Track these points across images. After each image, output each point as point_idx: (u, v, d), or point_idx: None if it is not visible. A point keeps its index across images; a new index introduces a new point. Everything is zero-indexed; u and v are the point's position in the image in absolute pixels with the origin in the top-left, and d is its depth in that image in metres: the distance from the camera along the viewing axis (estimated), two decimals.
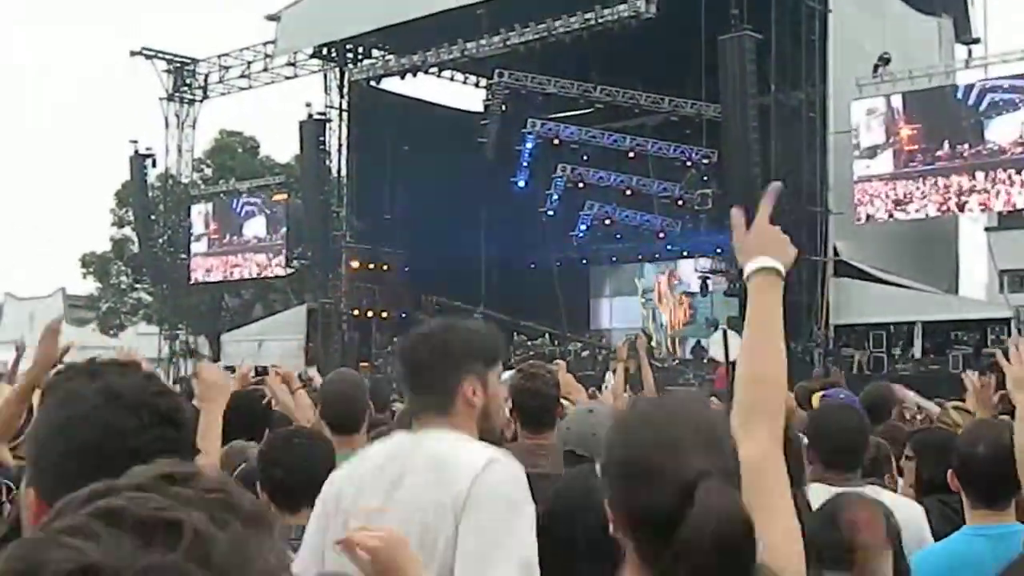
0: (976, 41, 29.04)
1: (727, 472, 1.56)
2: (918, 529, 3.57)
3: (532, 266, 34.22)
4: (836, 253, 25.14)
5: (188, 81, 37.93)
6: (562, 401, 4.46)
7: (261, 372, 6.07)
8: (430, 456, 2.43)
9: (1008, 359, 3.41)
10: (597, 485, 2.79)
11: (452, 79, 35.29)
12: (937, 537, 3.53)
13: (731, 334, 19.00)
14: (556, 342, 29.65)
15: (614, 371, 7.52)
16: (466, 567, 2.24)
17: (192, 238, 37.82)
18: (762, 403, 1.90)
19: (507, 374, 5.58)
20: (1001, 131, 23.80)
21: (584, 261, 35.18)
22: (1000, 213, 28.28)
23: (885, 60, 25.34)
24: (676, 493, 1.49)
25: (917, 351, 24.27)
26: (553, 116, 32.16)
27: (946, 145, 24.43)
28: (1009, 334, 23.27)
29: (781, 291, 2.07)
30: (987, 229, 30.06)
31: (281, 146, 57.69)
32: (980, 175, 24.02)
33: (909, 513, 3.57)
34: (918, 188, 24.94)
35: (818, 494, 3.11)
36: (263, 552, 0.81)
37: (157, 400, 1.64)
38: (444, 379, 2.57)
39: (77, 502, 0.82)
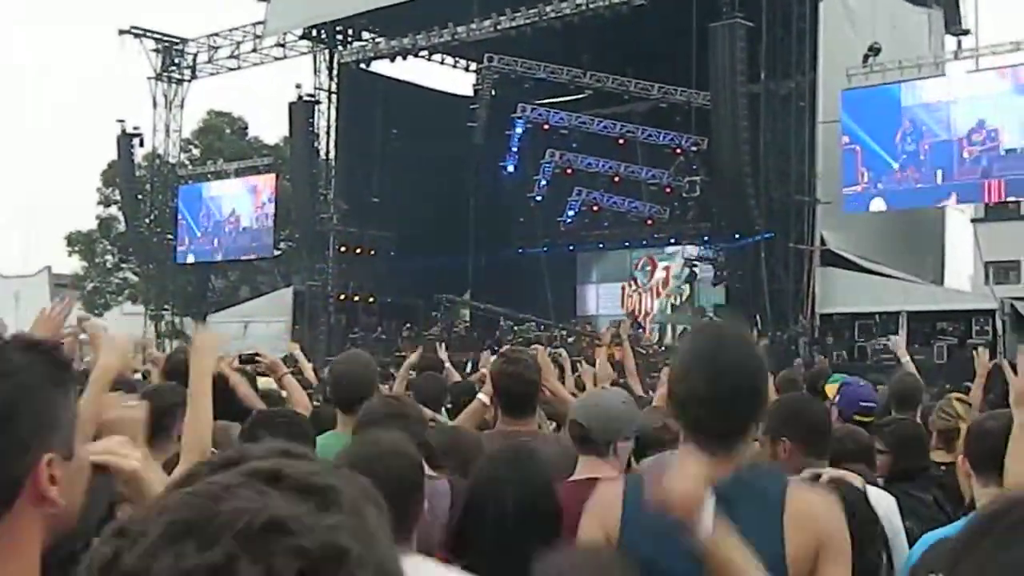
0: (966, 32, 29.05)
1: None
2: (891, 519, 3.60)
3: (520, 251, 34.24)
4: (823, 242, 25.18)
5: (177, 61, 37.74)
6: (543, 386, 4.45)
7: (245, 360, 6.02)
8: None
9: (1015, 370, 3.25)
10: (527, 459, 2.81)
11: (442, 63, 35.17)
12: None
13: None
14: (543, 328, 29.67)
15: (595, 358, 7.51)
16: None
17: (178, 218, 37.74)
18: None
19: (490, 359, 5.57)
20: None
21: (571, 247, 35.17)
22: (987, 205, 28.38)
23: (875, 50, 25.34)
24: None
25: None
26: (543, 101, 32.09)
27: None
28: (994, 326, 23.40)
29: None
30: (973, 221, 30.15)
31: (269, 128, 57.46)
32: None
33: (883, 503, 3.59)
34: None
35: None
36: (387, 530, 0.84)
37: None
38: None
39: (216, 465, 0.83)
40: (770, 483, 2.31)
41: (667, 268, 33.87)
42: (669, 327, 32.33)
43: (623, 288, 34.84)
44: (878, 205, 25.52)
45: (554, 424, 5.03)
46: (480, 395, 4.86)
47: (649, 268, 34.62)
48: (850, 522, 2.34)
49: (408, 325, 31.32)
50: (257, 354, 5.93)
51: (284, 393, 5.39)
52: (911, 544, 3.33)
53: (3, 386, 1.38)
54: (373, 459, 2.45)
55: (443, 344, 11.19)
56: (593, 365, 6.95)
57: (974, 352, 4.97)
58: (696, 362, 2.34)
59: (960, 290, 29.20)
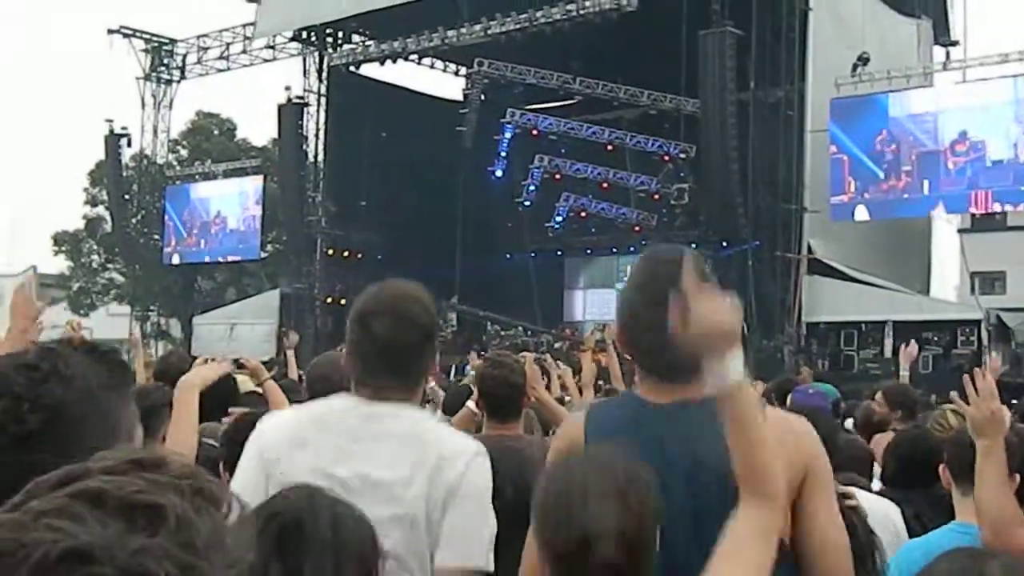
0: (955, 43, 29.20)
1: (628, 531, 1.70)
2: (893, 526, 3.60)
3: (507, 256, 34.23)
4: (810, 251, 25.24)
5: (166, 61, 37.67)
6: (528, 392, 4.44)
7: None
8: (413, 430, 2.48)
9: (975, 388, 3.11)
10: (527, 460, 2.80)
11: (432, 67, 35.17)
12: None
13: None
14: (530, 333, 29.66)
15: (579, 362, 7.50)
16: (452, 540, 2.38)
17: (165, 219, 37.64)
18: None
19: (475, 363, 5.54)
20: None
21: (559, 252, 35.19)
22: (973, 216, 28.48)
23: (864, 60, 25.43)
24: (574, 544, 1.66)
25: (887, 350, 24.40)
26: (532, 107, 32.11)
27: None
28: (979, 336, 23.47)
29: None
30: (960, 231, 30.24)
31: (258, 129, 57.40)
32: None
33: (884, 511, 3.58)
34: None
35: None
36: (234, 538, 0.82)
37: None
38: (424, 363, 2.60)
39: (50, 484, 0.81)
40: None
41: None
42: None
43: (611, 294, 34.82)
44: (862, 214, 25.61)
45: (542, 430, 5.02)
46: (468, 403, 4.85)
47: None
48: (852, 537, 2.30)
49: None
50: (239, 360, 5.90)
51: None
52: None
53: (70, 390, 1.35)
54: None
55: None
56: (578, 370, 6.94)
57: (988, 357, 4.97)
58: (635, 291, 2.29)
59: (946, 300, 29.30)
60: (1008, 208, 25.47)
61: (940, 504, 3.64)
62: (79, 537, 0.74)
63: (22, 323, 3.12)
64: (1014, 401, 10.40)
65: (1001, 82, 24.26)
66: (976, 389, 3.07)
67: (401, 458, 2.41)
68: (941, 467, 3.48)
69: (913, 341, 8.49)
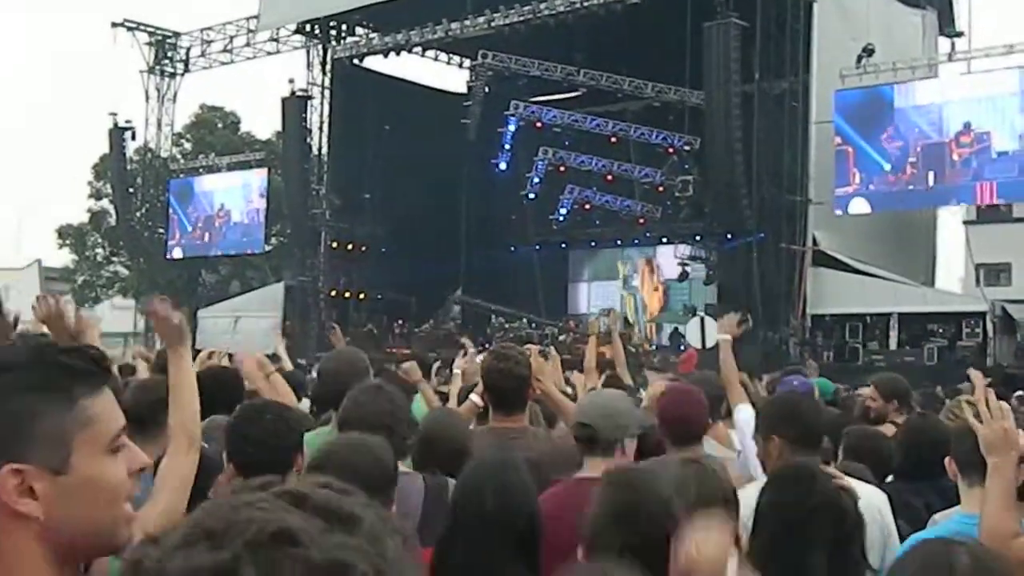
0: (960, 35, 29.08)
1: None
2: (882, 515, 3.61)
3: (511, 249, 34.22)
4: (815, 242, 25.21)
5: (170, 54, 37.68)
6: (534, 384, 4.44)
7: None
8: None
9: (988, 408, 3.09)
10: (514, 465, 2.82)
11: (436, 59, 35.14)
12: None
13: (708, 321, 19.13)
14: (534, 326, 29.66)
15: (581, 355, 7.52)
16: None
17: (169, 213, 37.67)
18: None
19: (479, 357, 5.57)
20: None
21: (563, 245, 35.18)
22: (978, 207, 28.42)
23: (869, 51, 25.36)
24: None
25: (893, 342, 24.39)
26: (536, 99, 32.06)
27: None
28: (984, 328, 23.44)
29: None
30: (965, 222, 30.18)
31: (261, 122, 57.38)
32: None
33: (874, 500, 3.59)
34: None
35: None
36: (412, 567, 0.89)
37: None
38: None
39: (252, 486, 0.89)
40: None
41: (658, 267, 33.87)
42: (659, 327, 32.38)
43: (615, 286, 34.85)
44: (857, 207, 25.55)
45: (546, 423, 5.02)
46: (472, 396, 4.86)
47: (641, 267, 34.64)
48: (842, 525, 2.33)
49: (400, 322, 31.26)
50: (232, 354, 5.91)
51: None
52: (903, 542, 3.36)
53: None
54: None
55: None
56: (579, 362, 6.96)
57: (968, 373, 4.95)
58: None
59: (951, 292, 29.24)
60: (1013, 200, 25.43)
61: (948, 495, 3.63)
62: (288, 521, 0.81)
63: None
64: (1018, 392, 10.40)
65: (1006, 73, 24.18)
66: (989, 409, 3.08)
67: None
68: (947, 459, 3.49)
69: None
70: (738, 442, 4.74)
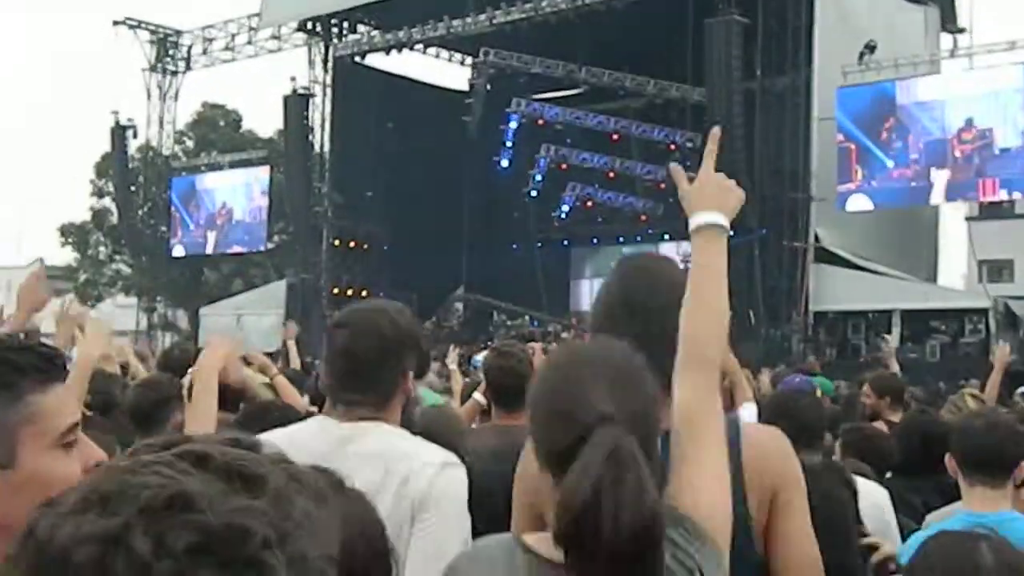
0: (962, 31, 29.06)
1: (635, 416, 1.59)
2: (881, 511, 3.61)
3: (513, 246, 34.22)
4: (817, 240, 25.20)
5: (171, 52, 37.66)
6: None
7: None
8: (380, 449, 2.45)
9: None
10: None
11: (437, 56, 35.13)
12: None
13: None
14: (536, 323, 29.67)
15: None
16: (421, 561, 2.30)
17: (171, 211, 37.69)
18: (695, 357, 1.91)
19: (481, 355, 5.57)
20: None
21: (565, 242, 35.17)
22: (981, 203, 28.39)
23: (871, 47, 25.33)
24: (575, 434, 1.55)
25: (895, 339, 24.37)
26: (538, 96, 32.06)
27: None
28: (987, 324, 23.43)
29: (724, 245, 2.10)
30: (968, 219, 30.15)
31: (263, 120, 57.41)
32: None
33: (874, 496, 3.59)
34: None
35: None
36: (323, 526, 0.84)
37: None
38: (391, 375, 2.57)
39: (155, 446, 0.85)
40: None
41: None
42: None
43: None
44: (856, 203, 25.52)
45: None
46: (476, 395, 4.87)
47: None
48: (840, 521, 2.32)
49: None
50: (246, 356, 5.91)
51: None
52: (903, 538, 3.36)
53: None
54: None
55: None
56: None
57: (996, 345, 4.93)
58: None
59: (953, 288, 29.23)
60: (1016, 196, 25.39)
61: (948, 492, 3.63)
62: (185, 484, 0.77)
63: (26, 310, 3.18)
64: (1021, 389, 10.40)
65: (1009, 69, 24.15)
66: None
67: (366, 479, 2.39)
68: (947, 456, 3.47)
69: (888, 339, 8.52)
70: None
